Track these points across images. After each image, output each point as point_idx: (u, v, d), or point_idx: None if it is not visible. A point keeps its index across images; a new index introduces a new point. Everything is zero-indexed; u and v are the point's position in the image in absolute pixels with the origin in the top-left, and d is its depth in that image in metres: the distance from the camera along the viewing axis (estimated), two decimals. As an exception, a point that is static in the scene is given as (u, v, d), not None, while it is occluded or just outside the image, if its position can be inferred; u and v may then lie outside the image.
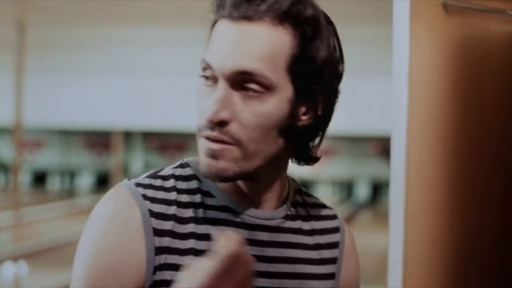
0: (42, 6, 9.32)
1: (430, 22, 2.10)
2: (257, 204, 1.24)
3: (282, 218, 1.27)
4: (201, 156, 1.20)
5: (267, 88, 1.16)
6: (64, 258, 8.11)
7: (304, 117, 1.22)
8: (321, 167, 15.63)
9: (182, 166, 1.27)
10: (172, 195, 1.22)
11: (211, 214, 1.22)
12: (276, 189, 1.26)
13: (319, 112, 1.24)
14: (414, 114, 2.08)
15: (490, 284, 2.30)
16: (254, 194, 1.24)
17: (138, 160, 16.93)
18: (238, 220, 1.23)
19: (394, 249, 2.10)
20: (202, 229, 1.21)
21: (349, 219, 12.78)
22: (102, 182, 16.40)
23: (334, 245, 1.33)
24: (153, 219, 1.19)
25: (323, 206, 1.37)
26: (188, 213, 1.22)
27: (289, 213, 1.28)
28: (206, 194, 1.24)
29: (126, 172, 16.11)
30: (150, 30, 10.61)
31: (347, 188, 15.75)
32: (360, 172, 15.68)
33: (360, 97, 12.70)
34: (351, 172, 15.75)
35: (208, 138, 1.18)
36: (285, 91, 1.18)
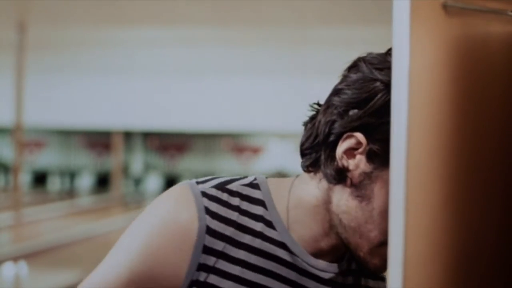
0: (42, 6, 9.33)
1: (430, 22, 2.10)
2: (316, 251, 1.21)
3: (337, 273, 1.24)
4: (378, 261, 1.19)
5: None
6: (64, 258, 8.12)
7: None
8: (321, 167, 15.65)
9: (252, 186, 1.22)
10: (234, 215, 1.19)
11: (267, 247, 1.19)
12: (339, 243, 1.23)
13: None
14: (414, 114, 2.09)
15: (491, 284, 2.30)
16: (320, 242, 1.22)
17: (138, 160, 16.94)
18: (292, 261, 1.20)
19: (394, 249, 2.10)
20: (253, 259, 1.19)
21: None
22: (102, 182, 16.41)
23: None
24: (207, 236, 1.17)
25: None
26: (245, 238, 1.19)
27: (344, 268, 1.25)
28: (269, 224, 1.20)
29: (126, 172, 16.12)
30: (150, 30, 10.62)
31: (347, 188, 15.76)
32: (360, 172, 15.69)
33: (360, 97, 12.69)
34: (351, 172, 15.77)
35: None
36: None
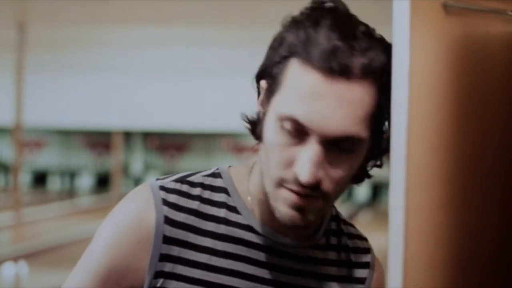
0: (42, 6, 9.33)
1: (430, 22, 2.10)
2: (284, 228, 1.20)
3: (308, 247, 1.24)
4: (282, 207, 1.14)
5: (358, 146, 1.14)
6: (64, 258, 8.12)
7: (372, 154, 1.22)
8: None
9: (214, 175, 1.24)
10: (195, 204, 1.20)
11: (233, 232, 1.20)
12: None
13: (383, 148, 1.23)
14: (414, 114, 2.09)
15: (491, 284, 2.30)
16: None
17: (138, 160, 16.94)
18: (259, 242, 1.20)
19: (394, 249, 2.10)
20: (219, 245, 1.19)
21: (349, 219, 12.79)
22: (102, 182, 16.42)
23: (360, 281, 1.30)
24: (166, 226, 1.17)
25: (358, 237, 1.34)
26: (209, 226, 1.20)
27: (317, 242, 1.25)
28: (232, 209, 1.21)
29: (126, 172, 16.12)
30: (150, 30, 10.62)
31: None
32: (360, 172, 15.69)
33: (360, 97, 12.70)
34: (351, 172, 15.77)
35: (296, 193, 1.12)
36: (367, 141, 1.16)
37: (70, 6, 8.97)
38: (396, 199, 2.16)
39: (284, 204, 1.14)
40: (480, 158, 2.37)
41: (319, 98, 1.10)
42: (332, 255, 1.27)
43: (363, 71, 1.12)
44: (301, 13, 1.17)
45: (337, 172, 1.13)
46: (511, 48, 2.34)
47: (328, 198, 1.15)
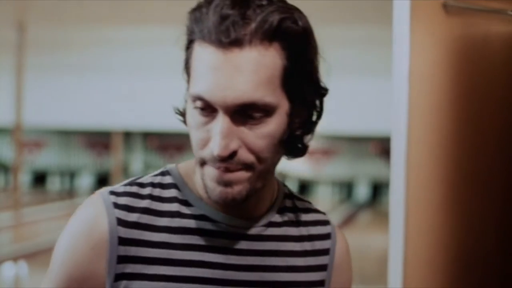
0: (42, 6, 9.33)
1: (430, 22, 2.10)
2: (239, 212, 1.21)
3: (265, 225, 1.24)
4: (210, 184, 1.16)
5: (269, 111, 1.14)
6: (64, 258, 8.10)
7: (299, 123, 1.21)
8: (321, 167, 15.63)
9: (163, 174, 1.25)
10: (145, 203, 1.21)
11: (188, 223, 1.20)
12: (262, 195, 1.23)
13: (313, 117, 1.23)
14: (414, 114, 2.09)
15: (490, 284, 2.30)
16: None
17: (138, 160, 16.93)
18: (215, 229, 1.21)
19: (394, 249, 2.10)
20: (177, 238, 1.19)
21: (349, 219, 12.79)
22: (102, 182, 16.40)
23: (324, 252, 1.30)
24: (120, 228, 1.18)
25: (315, 211, 1.33)
26: (163, 221, 1.20)
27: (273, 220, 1.25)
28: (184, 203, 1.22)
29: (126, 172, 16.11)
30: (150, 30, 10.61)
31: (347, 188, 15.75)
32: (360, 172, 15.68)
33: (360, 97, 12.71)
34: (351, 172, 15.76)
35: (218, 168, 1.14)
36: (283, 106, 1.15)
37: (70, 6, 8.97)
38: (396, 199, 2.15)
39: (211, 181, 1.16)
40: (480, 158, 2.36)
41: (214, 71, 1.11)
42: (291, 231, 1.27)
43: (259, 36, 1.11)
44: None
45: (254, 141, 1.14)
46: (511, 48, 2.34)
47: (253, 169, 1.15)
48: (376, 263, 7.86)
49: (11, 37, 10.86)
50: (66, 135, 17.04)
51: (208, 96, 1.12)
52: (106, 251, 1.18)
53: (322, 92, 1.23)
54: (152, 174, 1.26)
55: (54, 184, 17.15)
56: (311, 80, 1.20)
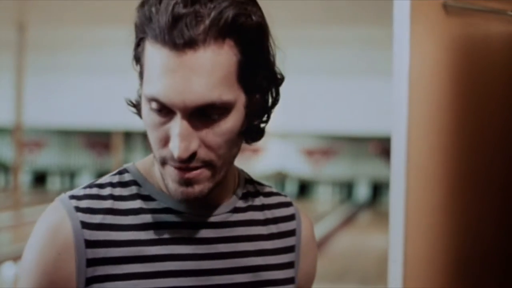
0: (42, 6, 9.33)
1: (430, 22, 2.10)
2: (203, 201, 1.20)
3: (229, 212, 1.24)
4: (171, 184, 1.16)
5: (227, 108, 1.13)
6: (64, 258, 8.10)
7: (256, 113, 1.20)
8: (321, 167, 15.64)
9: (120, 172, 1.25)
10: (108, 203, 1.20)
11: (153, 218, 1.20)
12: (224, 184, 1.23)
13: (269, 105, 1.21)
14: (414, 114, 2.09)
15: (490, 284, 2.30)
16: None
17: (138, 160, 16.94)
18: (181, 220, 1.21)
19: (394, 249, 2.10)
20: (143, 234, 1.19)
21: (349, 219, 12.79)
22: (102, 182, 16.41)
23: (290, 233, 1.30)
24: (85, 231, 1.17)
25: (277, 194, 1.33)
26: (127, 220, 1.19)
27: (237, 205, 1.26)
28: (147, 198, 1.21)
29: (126, 172, 16.11)
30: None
31: (347, 188, 15.75)
32: (360, 172, 15.68)
33: (360, 97, 12.70)
34: (351, 172, 15.76)
35: (178, 168, 1.14)
36: (240, 100, 1.14)
37: (70, 6, 8.98)
38: (396, 199, 2.15)
39: (171, 181, 1.15)
40: (479, 158, 2.36)
41: (170, 73, 1.09)
42: (256, 215, 1.27)
43: (213, 34, 1.09)
44: None
45: (213, 139, 1.13)
46: (511, 48, 2.34)
47: (214, 165, 1.15)
48: (376, 263, 7.86)
49: (11, 37, 10.86)
50: (66, 135, 17.04)
51: (164, 99, 1.10)
52: (74, 256, 1.17)
53: (278, 81, 1.21)
54: (110, 174, 1.25)
55: (54, 184, 17.16)
56: (267, 71, 1.18)
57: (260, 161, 15.76)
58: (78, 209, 1.18)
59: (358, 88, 12.62)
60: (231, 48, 1.11)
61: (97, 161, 17.12)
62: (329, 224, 11.44)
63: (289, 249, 1.29)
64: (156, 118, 1.13)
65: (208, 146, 1.13)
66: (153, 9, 1.10)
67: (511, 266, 2.34)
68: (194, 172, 1.14)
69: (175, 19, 1.08)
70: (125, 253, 1.18)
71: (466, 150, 2.23)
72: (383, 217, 10.17)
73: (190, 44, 1.08)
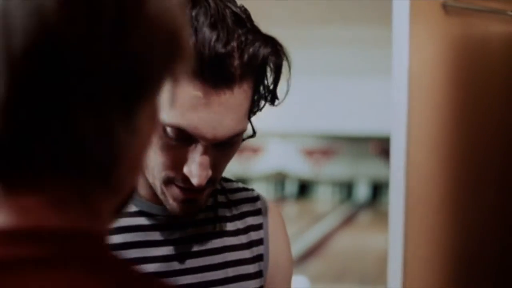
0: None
1: (430, 22, 2.10)
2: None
3: (202, 211, 1.27)
4: (172, 202, 1.18)
5: (239, 135, 1.16)
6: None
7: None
8: (321, 167, 15.64)
9: None
10: None
11: (125, 222, 1.21)
12: None
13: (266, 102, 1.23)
14: (414, 114, 2.09)
15: (490, 284, 2.30)
16: None
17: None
18: (154, 223, 1.22)
19: (394, 249, 2.10)
20: (116, 238, 1.20)
21: (349, 219, 12.79)
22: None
23: (258, 227, 1.33)
24: None
25: (244, 189, 1.37)
26: None
27: (207, 203, 1.27)
28: None
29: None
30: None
31: (347, 188, 15.75)
32: (360, 172, 15.68)
33: (360, 97, 12.70)
34: (351, 172, 15.76)
35: (186, 189, 1.16)
36: (247, 124, 1.17)
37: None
38: (396, 199, 2.16)
39: (173, 200, 1.17)
40: (479, 157, 2.37)
41: (204, 108, 1.10)
42: (224, 212, 1.30)
43: (247, 73, 1.12)
44: None
45: (223, 163, 1.17)
46: (510, 48, 2.35)
47: (215, 182, 1.19)
48: (376, 263, 7.86)
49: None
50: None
51: (194, 131, 1.11)
52: None
53: (275, 99, 1.23)
54: None
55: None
56: (271, 96, 1.20)
57: (260, 161, 15.76)
58: None
59: (358, 88, 12.62)
60: (252, 82, 1.14)
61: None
62: (329, 224, 11.44)
63: (257, 242, 1.32)
64: (170, 142, 1.13)
65: (218, 169, 1.17)
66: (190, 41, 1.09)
67: (511, 266, 2.34)
68: (199, 192, 1.16)
69: (215, 58, 1.08)
70: None
71: (465, 150, 2.23)
72: (383, 217, 10.17)
73: (228, 83, 1.10)
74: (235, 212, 1.32)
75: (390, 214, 2.15)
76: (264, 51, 1.13)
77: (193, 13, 1.09)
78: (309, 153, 15.48)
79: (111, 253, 0.66)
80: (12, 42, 0.59)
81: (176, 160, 1.14)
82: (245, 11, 1.16)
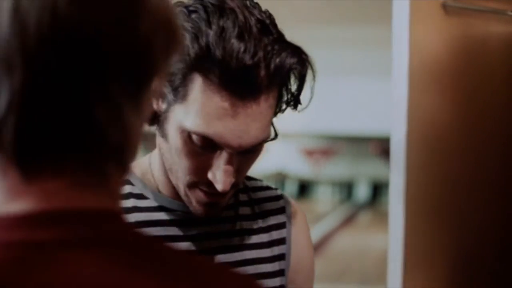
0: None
1: (430, 23, 2.10)
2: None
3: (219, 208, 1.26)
4: (195, 204, 1.19)
5: (264, 141, 1.18)
6: (64, 258, 8.10)
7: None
8: (321, 167, 15.65)
9: None
10: None
11: (145, 216, 1.22)
12: None
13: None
14: (414, 114, 2.09)
15: (490, 284, 2.30)
16: None
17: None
18: (174, 218, 1.23)
19: (394, 249, 2.10)
20: None
21: (349, 219, 12.79)
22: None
23: (280, 226, 1.33)
24: None
25: (267, 188, 1.37)
26: None
27: (230, 202, 1.28)
28: (139, 196, 1.24)
29: (126, 172, 16.11)
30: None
31: (347, 188, 15.75)
32: (360, 172, 15.68)
33: (360, 97, 12.70)
34: (351, 172, 15.75)
35: (211, 193, 1.17)
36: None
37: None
38: (396, 199, 2.16)
39: (196, 202, 1.19)
40: (479, 158, 2.37)
41: (230, 118, 1.12)
42: (245, 210, 1.31)
43: (273, 83, 1.13)
44: (192, 11, 1.13)
45: (246, 168, 1.20)
46: (510, 48, 2.34)
47: (238, 186, 1.21)
48: (376, 263, 7.86)
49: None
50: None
51: (220, 140, 1.13)
52: None
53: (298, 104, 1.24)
54: None
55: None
56: (294, 102, 1.22)
57: (260, 161, 15.74)
58: None
59: (358, 88, 12.62)
60: (277, 90, 1.16)
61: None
62: (329, 224, 11.44)
63: (280, 242, 1.32)
64: (195, 148, 1.15)
65: (241, 174, 1.19)
66: (217, 53, 1.09)
67: (511, 266, 2.34)
68: (224, 196, 1.18)
69: (243, 70, 1.09)
70: None
71: (465, 150, 2.23)
72: (383, 217, 10.17)
73: (254, 95, 1.11)
74: (257, 210, 1.32)
75: (390, 214, 2.15)
76: (290, 61, 1.14)
77: (221, 23, 1.10)
78: (309, 153, 15.48)
79: (138, 231, 0.68)
80: (26, 34, 0.61)
81: (201, 165, 1.16)
82: (270, 16, 1.17)
